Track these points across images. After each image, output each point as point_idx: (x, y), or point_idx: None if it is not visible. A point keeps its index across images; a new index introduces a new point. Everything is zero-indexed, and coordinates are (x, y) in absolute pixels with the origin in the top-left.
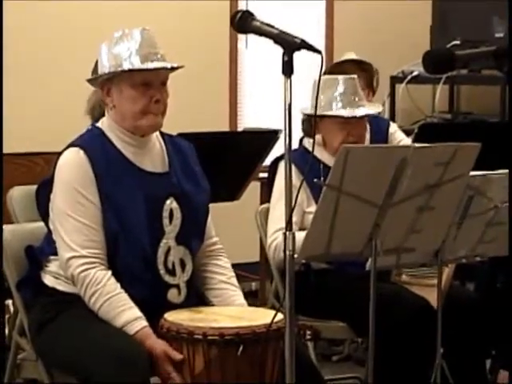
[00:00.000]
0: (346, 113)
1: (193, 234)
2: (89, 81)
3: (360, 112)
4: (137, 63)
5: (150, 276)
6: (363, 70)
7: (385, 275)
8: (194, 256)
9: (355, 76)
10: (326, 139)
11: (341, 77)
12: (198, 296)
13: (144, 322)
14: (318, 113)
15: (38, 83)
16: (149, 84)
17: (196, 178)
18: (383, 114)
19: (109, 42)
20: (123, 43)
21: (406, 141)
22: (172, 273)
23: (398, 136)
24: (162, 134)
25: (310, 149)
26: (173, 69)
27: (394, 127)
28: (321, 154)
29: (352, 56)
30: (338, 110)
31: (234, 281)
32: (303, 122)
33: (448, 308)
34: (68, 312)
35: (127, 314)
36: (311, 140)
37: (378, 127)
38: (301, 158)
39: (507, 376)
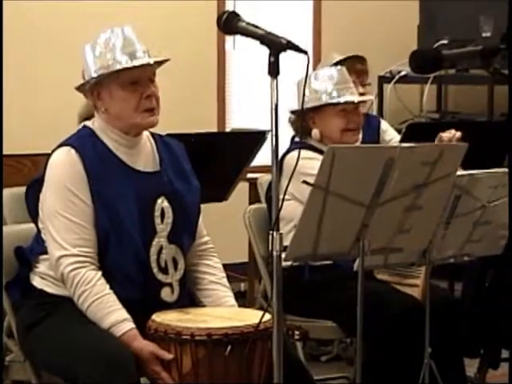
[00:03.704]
0: (344, 99)
1: (184, 232)
2: (77, 88)
3: (357, 98)
4: (124, 62)
5: (143, 275)
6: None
7: (368, 272)
8: (185, 255)
9: (343, 67)
10: (326, 131)
11: (332, 68)
12: (188, 296)
13: (131, 324)
14: (316, 104)
15: (26, 85)
16: (137, 82)
17: (187, 177)
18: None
19: (92, 44)
20: (106, 45)
21: (397, 139)
22: (165, 271)
23: (390, 134)
24: (152, 134)
25: (315, 145)
26: (159, 63)
27: (385, 124)
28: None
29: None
30: (335, 98)
31: (225, 281)
32: (293, 122)
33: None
34: (56, 314)
35: (114, 316)
36: (316, 135)
37: (370, 124)
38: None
39: (495, 375)
